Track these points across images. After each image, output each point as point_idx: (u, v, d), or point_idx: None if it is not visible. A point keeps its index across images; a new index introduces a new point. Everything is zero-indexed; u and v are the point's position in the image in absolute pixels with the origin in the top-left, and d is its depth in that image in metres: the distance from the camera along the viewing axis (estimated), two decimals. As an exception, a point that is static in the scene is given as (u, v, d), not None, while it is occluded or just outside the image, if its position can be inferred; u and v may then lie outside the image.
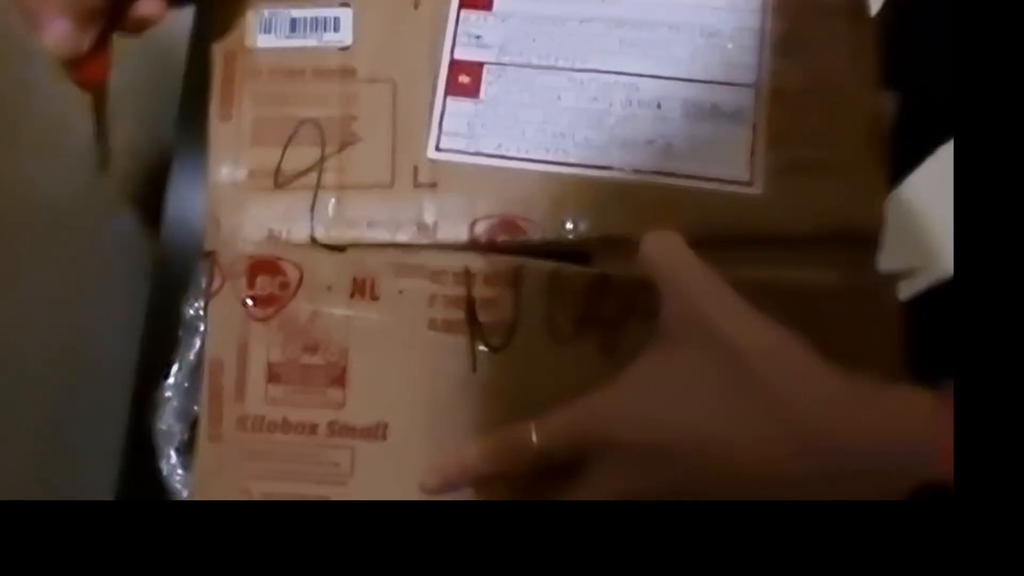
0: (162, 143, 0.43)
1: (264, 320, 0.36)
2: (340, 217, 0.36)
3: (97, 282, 0.45)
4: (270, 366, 0.36)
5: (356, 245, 0.36)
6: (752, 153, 0.35)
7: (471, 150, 0.37)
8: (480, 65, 0.37)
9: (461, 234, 0.36)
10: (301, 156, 0.37)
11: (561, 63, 0.37)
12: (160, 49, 0.44)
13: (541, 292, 0.35)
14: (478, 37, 0.38)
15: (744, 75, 0.36)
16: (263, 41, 0.38)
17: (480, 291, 0.35)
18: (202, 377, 0.36)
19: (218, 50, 0.38)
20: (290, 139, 0.37)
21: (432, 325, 0.35)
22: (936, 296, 0.41)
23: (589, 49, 0.37)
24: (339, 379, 0.36)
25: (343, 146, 0.37)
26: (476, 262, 0.35)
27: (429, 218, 0.36)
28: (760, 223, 0.35)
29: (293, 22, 0.38)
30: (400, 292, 0.36)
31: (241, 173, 0.37)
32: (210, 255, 0.37)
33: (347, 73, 0.38)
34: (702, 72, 0.36)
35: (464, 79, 0.37)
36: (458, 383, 0.35)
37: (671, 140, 0.36)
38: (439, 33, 0.38)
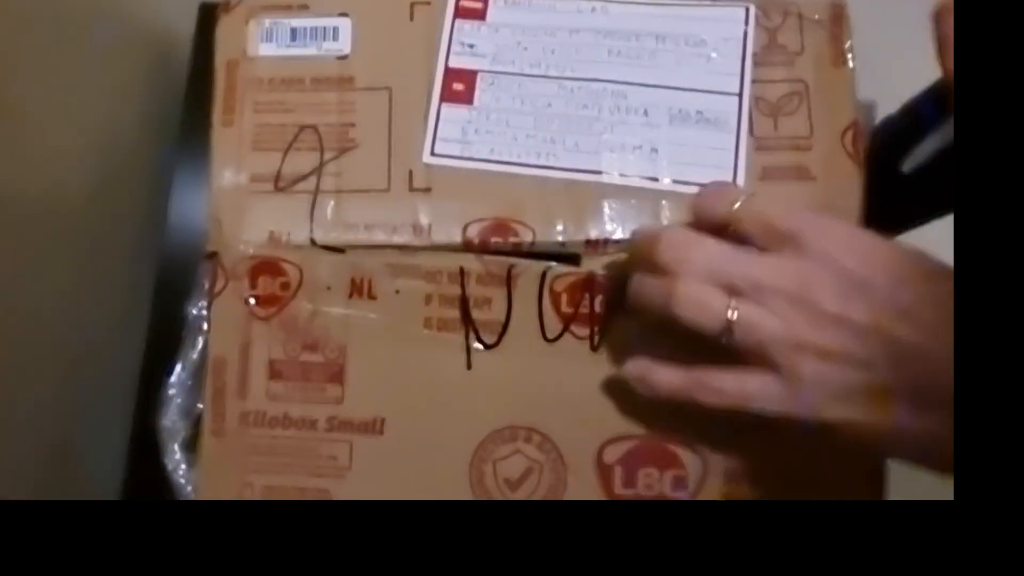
0: (165, 148, 0.44)
1: (266, 319, 0.37)
2: (338, 220, 0.38)
3: (101, 283, 0.46)
4: (271, 363, 0.37)
5: (354, 247, 0.37)
6: (735, 159, 0.37)
7: (465, 155, 0.38)
8: (474, 73, 0.39)
9: (455, 236, 0.37)
10: (301, 161, 0.38)
11: (552, 72, 0.38)
12: (163, 56, 0.45)
13: (532, 291, 0.36)
14: (471, 46, 0.39)
15: (728, 83, 0.37)
16: (264, 50, 0.40)
17: (474, 290, 0.37)
18: (205, 375, 0.37)
19: (220, 59, 0.40)
20: (290, 145, 0.39)
21: (427, 324, 0.37)
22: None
23: (579, 58, 0.38)
24: (338, 376, 0.37)
25: (341, 152, 0.38)
26: (470, 262, 0.37)
27: (424, 221, 0.37)
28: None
29: (293, 32, 0.40)
30: (396, 292, 0.37)
31: (243, 177, 0.38)
32: (213, 256, 0.38)
33: (345, 81, 0.39)
34: (687, 80, 0.38)
35: (458, 86, 0.39)
36: (453, 380, 0.36)
37: (657, 146, 0.37)
38: (434, 42, 0.39)
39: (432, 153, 0.38)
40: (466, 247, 0.37)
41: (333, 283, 0.37)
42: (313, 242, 0.38)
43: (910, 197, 0.41)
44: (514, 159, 0.37)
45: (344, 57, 0.39)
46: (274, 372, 0.37)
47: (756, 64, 0.38)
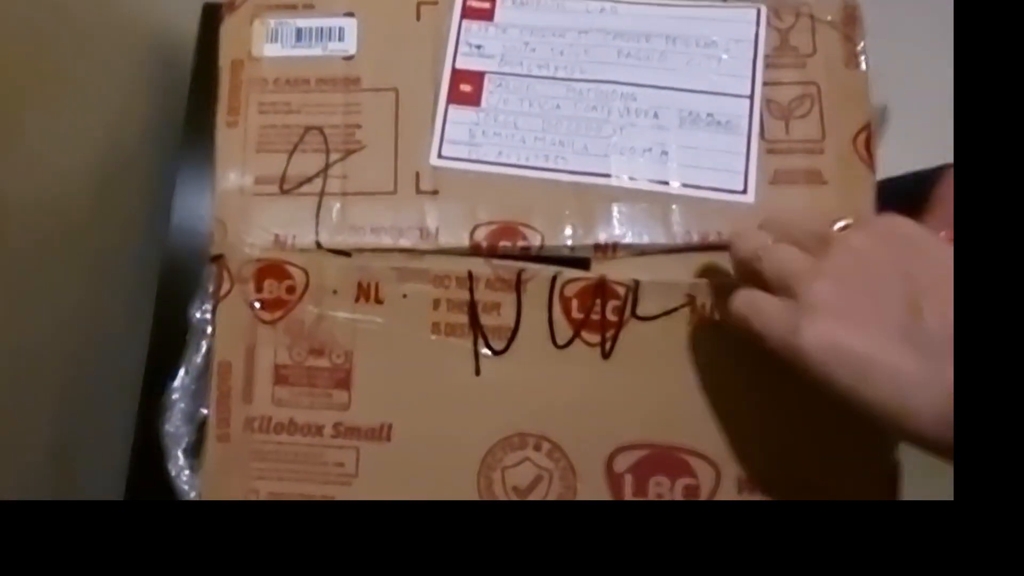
0: (168, 149, 0.44)
1: (271, 323, 0.37)
2: (344, 223, 0.37)
3: (104, 286, 0.45)
4: (277, 368, 0.37)
5: (360, 250, 0.37)
6: (746, 162, 0.36)
7: (472, 157, 0.37)
8: (481, 74, 0.38)
9: (462, 240, 0.36)
10: (306, 163, 0.38)
11: (560, 73, 0.38)
12: (166, 57, 0.44)
13: (542, 296, 0.36)
14: (479, 47, 0.38)
15: (739, 86, 0.37)
16: (269, 50, 0.39)
17: (482, 295, 0.36)
18: (209, 380, 0.37)
19: (225, 59, 0.39)
20: (295, 146, 0.38)
21: (435, 329, 0.36)
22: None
23: (588, 60, 0.38)
24: (344, 381, 0.36)
25: (347, 153, 0.38)
26: (479, 267, 0.36)
27: (431, 224, 0.37)
28: (753, 231, 0.35)
29: (299, 32, 0.39)
30: (404, 296, 0.36)
31: (247, 179, 0.38)
32: (219, 259, 0.37)
33: (351, 82, 0.38)
34: (698, 82, 0.37)
35: (466, 88, 0.38)
36: (461, 386, 0.36)
37: (667, 149, 0.36)
38: (441, 43, 0.38)
39: (439, 155, 0.37)
40: (473, 251, 0.36)
41: (340, 287, 0.36)
42: (319, 245, 0.37)
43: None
44: (522, 162, 0.37)
45: (350, 57, 0.39)
46: (280, 377, 0.37)
47: (767, 66, 0.37)
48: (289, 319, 0.37)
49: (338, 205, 0.37)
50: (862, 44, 0.37)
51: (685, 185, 0.36)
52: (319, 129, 0.38)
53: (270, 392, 0.36)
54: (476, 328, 0.36)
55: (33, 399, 0.40)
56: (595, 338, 0.35)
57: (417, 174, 0.37)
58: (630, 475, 0.35)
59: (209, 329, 0.37)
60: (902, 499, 0.34)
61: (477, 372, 0.36)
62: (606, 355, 0.35)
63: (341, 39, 0.39)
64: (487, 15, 0.39)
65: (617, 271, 0.36)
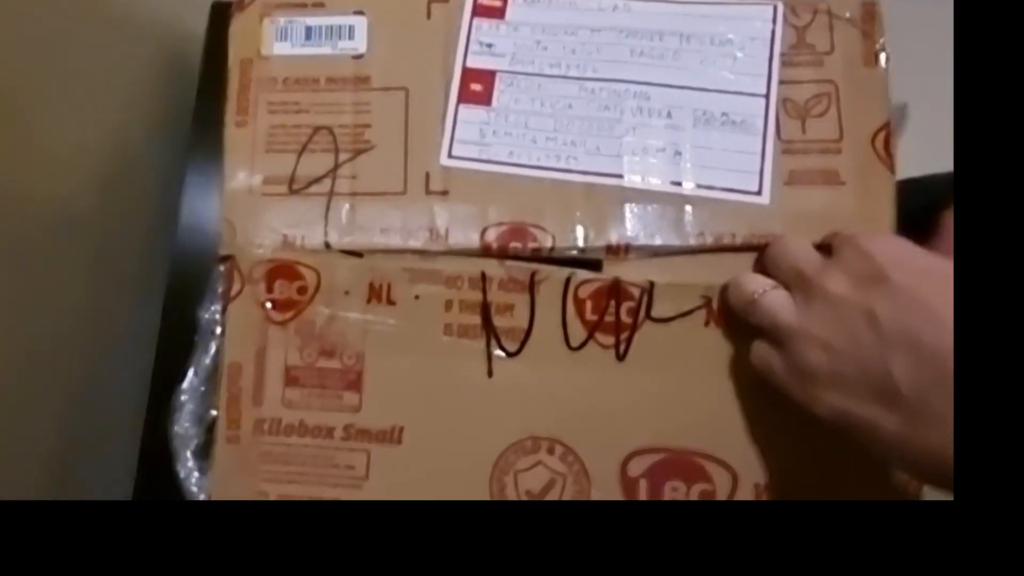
0: (177, 148, 0.43)
1: (282, 324, 0.36)
2: (353, 223, 0.36)
3: (112, 286, 0.45)
4: (287, 370, 0.36)
5: (370, 251, 0.36)
6: (761, 162, 0.35)
7: (483, 158, 0.36)
8: (492, 73, 0.37)
9: (472, 241, 0.36)
10: (315, 163, 0.37)
11: (572, 72, 0.37)
12: (175, 55, 0.44)
13: (555, 298, 0.35)
14: (490, 45, 0.38)
15: (754, 84, 0.36)
16: (279, 49, 0.38)
17: (495, 296, 0.35)
18: (218, 381, 0.36)
19: (234, 58, 0.38)
20: (304, 146, 0.37)
21: (448, 330, 0.35)
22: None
23: (600, 58, 0.37)
24: (355, 383, 0.36)
25: (356, 153, 0.37)
26: (492, 268, 0.35)
27: (440, 225, 0.36)
28: (767, 233, 0.34)
29: (308, 30, 0.38)
30: (416, 297, 0.36)
31: (256, 179, 0.37)
32: (229, 260, 0.37)
33: (361, 81, 0.38)
34: (712, 81, 0.36)
35: (476, 87, 0.37)
36: (474, 388, 0.35)
37: (681, 149, 0.36)
38: (451, 42, 0.38)
39: (449, 155, 0.37)
40: (484, 252, 0.36)
41: (351, 288, 0.36)
42: (328, 246, 0.36)
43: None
44: (533, 162, 0.36)
45: (360, 56, 0.38)
46: (290, 378, 0.36)
47: (784, 64, 0.36)
48: (300, 320, 0.36)
49: (347, 205, 0.37)
50: (881, 41, 0.36)
51: (699, 186, 0.35)
52: (328, 129, 0.37)
53: (280, 394, 0.36)
54: (489, 329, 0.35)
55: (40, 399, 0.40)
56: (609, 340, 0.35)
57: (427, 174, 0.37)
58: (645, 480, 0.34)
59: (218, 330, 0.37)
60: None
61: (490, 374, 0.35)
62: (620, 357, 0.35)
63: (351, 38, 0.38)
64: (498, 13, 0.38)
65: (629, 273, 0.35)
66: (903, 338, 0.27)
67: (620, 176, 0.36)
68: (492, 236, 0.36)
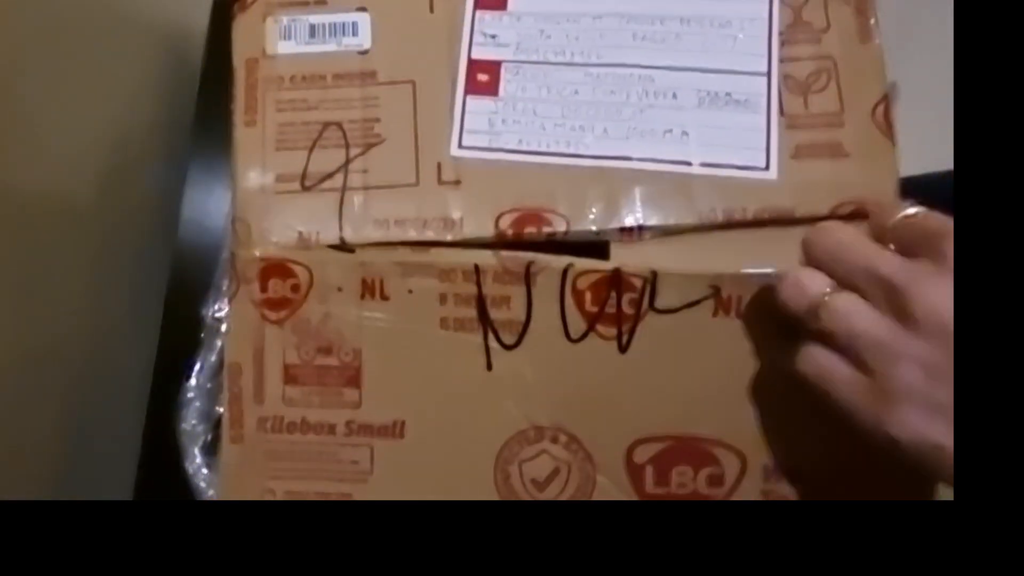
0: (178, 145, 0.43)
1: (278, 323, 0.36)
2: (367, 217, 0.36)
3: (113, 284, 0.45)
4: (286, 368, 0.36)
5: (380, 244, 0.36)
6: (767, 138, 0.35)
7: (493, 146, 0.36)
8: (497, 64, 0.37)
9: (487, 229, 0.36)
10: (326, 159, 0.37)
11: (577, 59, 0.37)
12: (177, 53, 0.43)
13: (553, 289, 0.35)
14: (494, 36, 0.38)
15: (755, 63, 0.36)
16: (283, 48, 0.38)
17: (490, 289, 0.35)
18: (224, 378, 0.36)
19: (239, 58, 0.38)
20: (315, 143, 0.37)
21: (444, 324, 0.35)
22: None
23: (603, 44, 0.37)
24: (354, 379, 0.36)
25: (367, 147, 0.37)
26: (486, 259, 0.35)
27: (455, 214, 0.36)
28: (777, 207, 0.35)
29: (312, 28, 0.38)
30: (409, 292, 0.35)
31: (268, 178, 0.37)
32: (229, 259, 0.36)
33: (367, 76, 0.38)
34: (715, 62, 0.36)
35: (483, 77, 0.37)
36: (473, 380, 0.35)
37: (687, 129, 0.36)
38: (456, 34, 0.38)
39: (460, 145, 0.37)
40: (499, 239, 0.36)
41: (344, 284, 0.36)
42: (343, 240, 0.36)
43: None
44: (543, 148, 0.36)
45: (365, 52, 0.38)
46: (289, 377, 0.36)
47: (782, 43, 0.37)
48: (296, 318, 0.36)
49: (361, 199, 0.36)
50: (874, 18, 0.37)
51: (707, 164, 0.35)
52: (338, 124, 0.37)
53: (281, 392, 0.36)
54: (485, 322, 0.35)
55: (41, 395, 0.39)
56: (611, 331, 0.35)
57: (438, 165, 0.36)
58: (651, 466, 0.34)
59: (223, 328, 0.37)
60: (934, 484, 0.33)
61: (489, 367, 0.35)
62: (623, 349, 0.35)
63: (355, 34, 0.38)
64: (501, 5, 0.38)
65: (643, 254, 0.35)
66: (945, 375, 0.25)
67: (629, 158, 0.36)
68: (507, 223, 0.36)
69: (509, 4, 0.38)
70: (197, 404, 0.37)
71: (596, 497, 0.35)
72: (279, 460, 0.36)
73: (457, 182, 0.36)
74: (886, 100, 0.36)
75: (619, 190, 0.36)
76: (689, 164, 0.36)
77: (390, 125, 0.37)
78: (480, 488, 0.35)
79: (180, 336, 0.38)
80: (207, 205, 0.41)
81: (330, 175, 0.37)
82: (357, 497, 0.35)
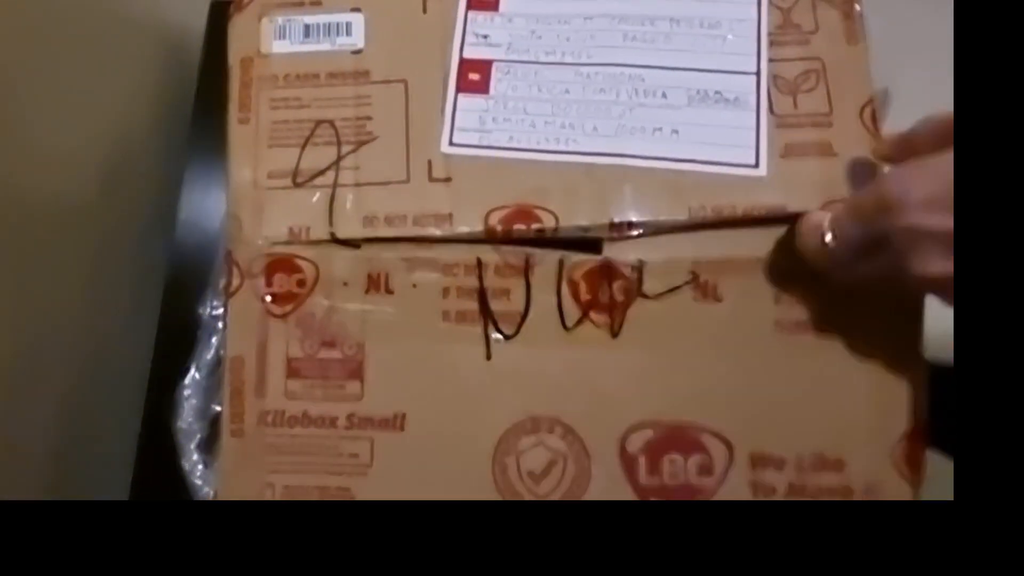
0: (176, 144, 0.43)
1: (282, 317, 0.36)
2: (358, 213, 0.36)
3: (111, 283, 0.44)
4: (289, 361, 0.36)
5: (375, 240, 0.36)
6: (756, 137, 0.35)
7: (483, 144, 0.36)
8: (489, 63, 0.37)
9: (477, 225, 0.35)
10: (318, 156, 0.37)
11: (568, 58, 0.37)
12: (174, 53, 0.43)
13: (550, 280, 0.35)
14: (485, 36, 0.38)
15: (744, 63, 0.36)
16: (278, 47, 0.38)
17: (492, 282, 0.35)
18: (221, 375, 0.36)
19: (234, 57, 0.38)
20: (307, 140, 0.37)
21: (446, 317, 0.35)
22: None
23: (594, 44, 0.37)
24: (356, 372, 0.35)
25: (359, 145, 0.37)
26: (487, 253, 0.35)
27: (445, 211, 0.35)
28: (767, 204, 0.34)
29: (306, 28, 0.38)
30: (414, 286, 0.35)
31: (261, 174, 0.37)
32: (229, 255, 0.36)
33: (360, 75, 0.38)
34: (704, 62, 0.36)
35: (474, 76, 0.37)
36: (473, 372, 0.35)
37: (677, 127, 0.36)
38: (448, 34, 0.38)
39: (451, 143, 0.36)
40: (489, 235, 0.35)
41: (350, 279, 0.36)
42: (333, 236, 0.36)
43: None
44: (533, 145, 0.36)
45: (358, 51, 0.38)
46: (292, 370, 0.35)
47: (772, 44, 0.36)
48: (300, 312, 0.36)
49: (351, 196, 0.36)
50: (861, 21, 0.37)
51: (697, 161, 0.35)
52: (330, 122, 0.37)
53: (283, 386, 0.35)
54: (486, 314, 0.35)
55: (38, 394, 0.39)
56: (603, 318, 0.35)
57: (429, 162, 0.36)
58: (643, 455, 0.34)
59: (220, 325, 0.36)
60: (922, 467, 0.33)
61: (488, 357, 0.35)
62: (615, 335, 0.35)
63: (349, 34, 0.38)
64: (492, 6, 0.38)
65: (631, 251, 0.35)
66: None
67: (619, 156, 0.35)
68: (496, 219, 0.35)
69: (501, 5, 0.38)
70: (193, 402, 0.36)
71: (591, 489, 0.34)
72: (279, 454, 0.35)
73: (447, 179, 0.36)
74: (872, 102, 0.36)
75: (609, 187, 0.35)
76: (679, 161, 0.35)
77: (382, 123, 0.37)
78: (477, 482, 0.34)
79: (177, 334, 0.37)
80: (204, 205, 0.41)
81: (321, 172, 0.37)
82: (356, 491, 0.35)
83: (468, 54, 0.37)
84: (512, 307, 0.35)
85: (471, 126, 0.36)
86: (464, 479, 0.34)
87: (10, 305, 0.36)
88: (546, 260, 0.35)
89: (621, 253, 0.35)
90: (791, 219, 0.34)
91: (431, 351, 0.35)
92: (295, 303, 0.36)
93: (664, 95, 0.36)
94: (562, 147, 0.36)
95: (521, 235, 0.35)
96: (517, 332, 0.35)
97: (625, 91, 0.36)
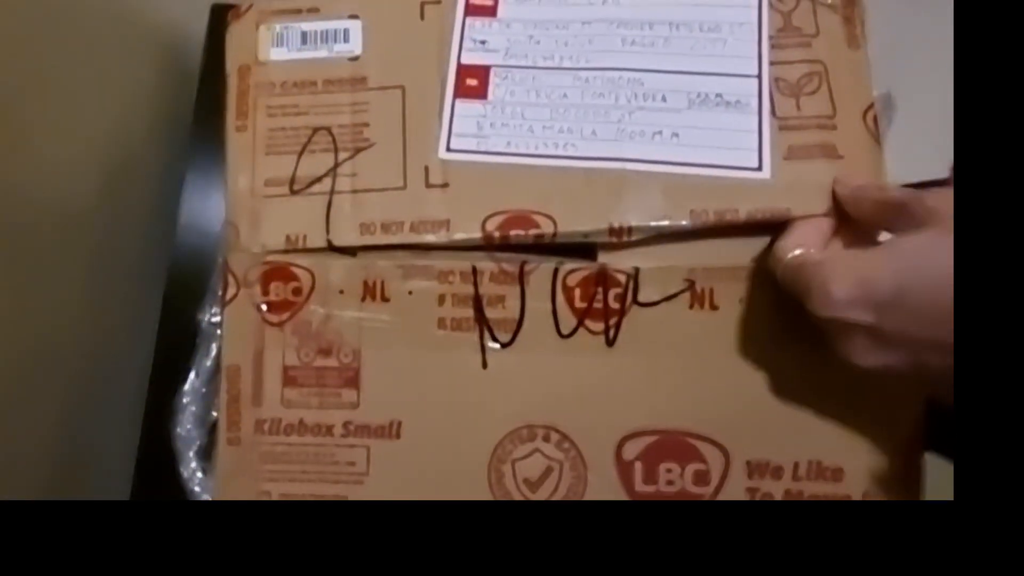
0: (176, 149, 0.42)
1: (279, 325, 0.35)
2: (355, 220, 0.35)
3: (111, 288, 0.44)
4: (285, 370, 0.35)
5: (371, 247, 0.35)
6: (759, 139, 0.34)
7: (481, 149, 0.35)
8: (487, 68, 0.36)
9: (474, 231, 0.34)
10: (315, 163, 0.36)
11: (566, 63, 0.36)
12: (175, 57, 0.43)
13: (545, 287, 0.34)
14: (483, 42, 0.37)
15: (745, 66, 0.35)
16: (276, 54, 0.37)
17: (487, 289, 0.34)
18: (219, 383, 0.35)
19: (232, 64, 0.38)
20: (304, 147, 0.36)
21: (442, 324, 0.34)
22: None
23: (592, 49, 0.36)
24: (353, 380, 0.34)
25: (356, 152, 0.36)
26: (482, 261, 0.34)
27: (442, 217, 0.35)
28: (772, 207, 0.33)
29: (304, 35, 0.37)
30: (409, 293, 0.34)
31: (258, 182, 0.36)
32: (224, 263, 0.35)
33: (358, 82, 0.37)
34: (704, 65, 0.35)
35: (472, 82, 0.36)
36: (469, 379, 0.34)
37: (678, 131, 0.34)
38: (446, 40, 0.37)
39: (448, 149, 0.35)
40: (486, 241, 0.34)
41: (346, 287, 0.35)
42: (330, 243, 0.35)
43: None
44: (531, 151, 0.35)
45: (356, 58, 0.37)
46: (288, 378, 0.35)
47: (773, 47, 0.35)
48: (296, 320, 0.35)
49: (348, 203, 0.35)
50: (862, 26, 0.36)
51: (698, 165, 0.34)
52: (327, 129, 0.36)
53: (279, 394, 0.35)
54: (482, 322, 0.34)
55: (38, 400, 0.38)
56: (599, 326, 0.34)
57: (426, 168, 0.35)
58: (639, 463, 0.33)
59: (219, 332, 0.35)
60: (920, 475, 0.32)
61: (484, 365, 0.34)
62: (610, 343, 0.34)
63: (346, 40, 0.37)
64: (490, 11, 0.37)
65: (626, 258, 0.34)
66: None
67: (619, 160, 0.34)
68: (494, 225, 0.34)
69: (499, 11, 0.37)
70: (193, 409, 0.36)
71: (587, 497, 0.34)
72: (275, 462, 0.34)
73: (445, 185, 0.35)
74: (873, 106, 0.35)
75: (609, 192, 0.34)
76: (680, 165, 0.34)
77: (379, 130, 0.36)
78: (473, 489, 0.34)
79: (178, 341, 0.37)
80: (205, 210, 0.40)
81: (318, 179, 0.36)
82: (352, 499, 0.34)
83: (466, 59, 0.37)
84: (508, 314, 0.34)
85: (469, 131, 0.36)
86: (460, 487, 0.34)
87: (10, 310, 0.36)
88: (541, 267, 0.34)
89: (616, 260, 0.34)
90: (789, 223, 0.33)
91: (427, 358, 0.34)
92: (291, 311, 0.35)
93: (664, 98, 0.35)
94: (561, 152, 0.35)
95: (519, 241, 0.34)
96: (513, 340, 0.34)
97: (624, 95, 0.35)
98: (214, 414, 0.35)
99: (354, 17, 0.38)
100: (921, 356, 0.27)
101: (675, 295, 0.34)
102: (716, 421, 0.33)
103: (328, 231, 0.35)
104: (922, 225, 0.28)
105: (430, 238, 0.34)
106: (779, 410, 0.33)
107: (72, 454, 0.41)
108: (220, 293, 0.35)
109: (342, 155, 0.36)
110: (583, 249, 0.34)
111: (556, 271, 0.34)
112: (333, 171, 0.36)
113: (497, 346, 0.34)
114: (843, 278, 0.28)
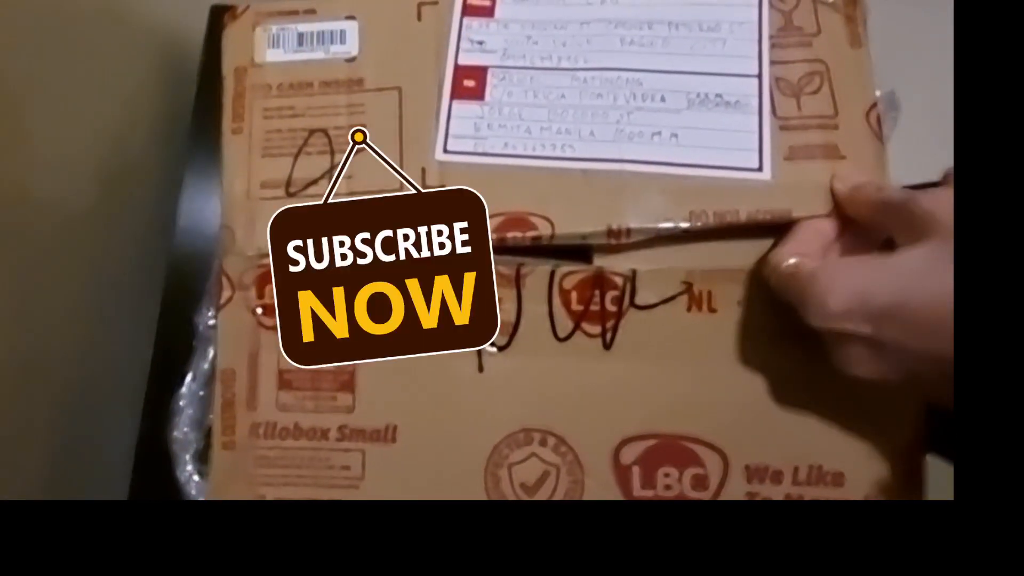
0: (175, 152, 0.41)
1: (274, 328, 0.34)
2: (351, 222, 0.34)
3: (109, 290, 0.43)
4: (281, 373, 0.34)
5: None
6: (759, 139, 0.33)
7: (478, 151, 0.34)
8: (484, 69, 0.36)
9: (471, 233, 0.33)
10: (312, 165, 0.35)
11: (564, 64, 0.35)
12: (174, 59, 0.42)
13: (541, 290, 0.33)
14: (481, 43, 0.36)
15: (745, 66, 0.34)
16: (272, 56, 0.37)
17: None
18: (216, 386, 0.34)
19: (228, 66, 0.37)
20: (300, 149, 0.36)
21: None
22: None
23: (590, 49, 0.35)
24: (348, 384, 0.34)
25: (352, 154, 0.35)
26: None
27: (439, 219, 0.34)
28: (772, 208, 0.32)
29: (300, 37, 0.37)
30: None
31: (254, 185, 0.35)
32: (219, 266, 0.35)
33: (354, 83, 0.36)
34: (704, 65, 0.34)
35: (469, 83, 0.35)
36: (465, 383, 0.33)
37: (677, 131, 0.34)
38: (443, 41, 0.36)
39: (445, 150, 0.34)
40: (483, 243, 0.33)
41: None
42: (325, 246, 0.34)
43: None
44: (529, 152, 0.34)
45: (352, 59, 0.36)
46: (283, 382, 0.34)
47: (773, 46, 0.34)
48: None
49: None
50: (864, 25, 0.35)
51: (697, 166, 0.33)
52: (324, 131, 0.36)
53: (274, 397, 0.34)
54: None
55: (35, 401, 0.37)
56: (595, 329, 0.33)
57: (423, 170, 0.34)
58: (637, 467, 0.33)
59: (216, 335, 0.35)
60: (921, 480, 0.32)
61: (480, 369, 0.33)
62: (607, 346, 0.33)
63: (343, 42, 0.36)
64: (487, 12, 0.36)
65: (623, 261, 0.33)
66: None
67: (617, 161, 0.33)
68: (491, 227, 0.33)
69: (496, 11, 0.36)
70: (189, 412, 0.35)
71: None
72: (270, 467, 0.34)
73: (441, 187, 0.34)
74: (876, 106, 0.34)
75: (607, 193, 0.33)
76: (679, 166, 0.33)
77: (375, 131, 0.35)
78: (470, 493, 0.33)
79: (176, 343, 0.36)
80: (203, 212, 0.40)
81: (315, 181, 0.35)
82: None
83: (463, 60, 0.36)
84: (504, 317, 0.33)
85: (466, 133, 0.35)
86: (456, 491, 0.33)
87: (8, 311, 0.35)
88: (537, 270, 0.33)
89: (613, 263, 0.33)
90: (790, 226, 0.32)
91: (423, 362, 0.33)
92: None
93: (663, 99, 0.34)
94: (559, 153, 0.34)
95: (517, 243, 0.33)
96: (509, 343, 0.33)
97: (623, 95, 0.34)
98: (211, 417, 0.34)
99: (351, 18, 0.37)
100: (917, 367, 0.26)
101: (673, 298, 0.33)
102: (715, 425, 0.32)
103: (324, 234, 0.34)
104: (919, 232, 0.27)
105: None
106: (778, 414, 0.32)
107: (69, 456, 0.41)
108: (215, 296, 0.35)
109: (338, 157, 0.35)
110: (579, 252, 0.34)
111: (553, 273, 0.33)
112: (329, 173, 0.35)
113: (493, 349, 0.33)
114: (840, 289, 0.27)
